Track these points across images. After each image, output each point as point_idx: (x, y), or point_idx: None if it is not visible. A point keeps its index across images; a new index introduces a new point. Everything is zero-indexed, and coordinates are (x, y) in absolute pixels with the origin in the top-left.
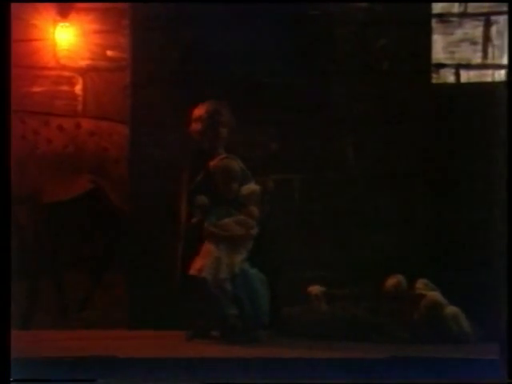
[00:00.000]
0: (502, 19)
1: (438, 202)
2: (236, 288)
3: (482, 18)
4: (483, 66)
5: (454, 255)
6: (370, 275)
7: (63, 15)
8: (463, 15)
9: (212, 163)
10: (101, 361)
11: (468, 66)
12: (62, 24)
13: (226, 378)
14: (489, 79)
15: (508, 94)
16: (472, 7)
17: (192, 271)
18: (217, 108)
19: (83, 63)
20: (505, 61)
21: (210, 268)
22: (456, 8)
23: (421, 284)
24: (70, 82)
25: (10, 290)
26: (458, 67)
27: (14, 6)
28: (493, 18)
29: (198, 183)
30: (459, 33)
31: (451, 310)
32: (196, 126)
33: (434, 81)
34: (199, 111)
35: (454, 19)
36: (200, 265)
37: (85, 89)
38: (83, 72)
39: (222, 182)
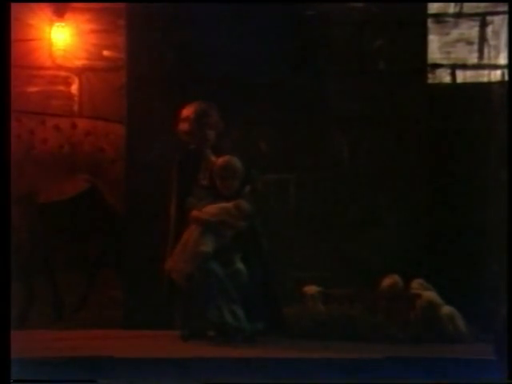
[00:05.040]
0: (498, 19)
1: (434, 202)
2: (232, 288)
3: (478, 18)
4: (479, 66)
5: (451, 255)
6: (366, 275)
7: (59, 15)
8: (459, 15)
9: (214, 161)
10: (97, 361)
11: (464, 66)
12: (57, 24)
13: (222, 378)
14: (485, 79)
15: (508, 93)
16: (468, 7)
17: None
18: (205, 109)
19: (79, 63)
20: (501, 61)
21: (176, 257)
22: (452, 8)
23: (417, 284)
24: (66, 81)
25: (9, 290)
26: (453, 67)
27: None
28: (488, 18)
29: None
30: (455, 33)
31: (447, 309)
32: (183, 127)
33: (430, 81)
34: (187, 111)
35: (450, 19)
36: (170, 257)
37: (81, 89)
38: (79, 72)
39: (220, 178)
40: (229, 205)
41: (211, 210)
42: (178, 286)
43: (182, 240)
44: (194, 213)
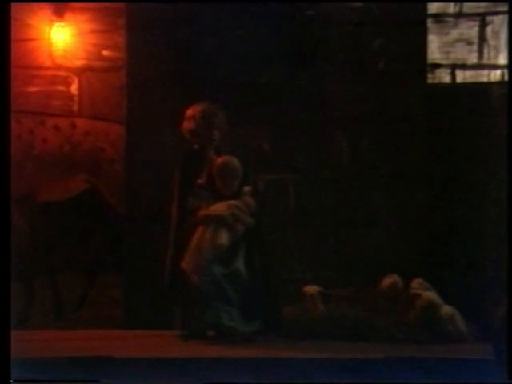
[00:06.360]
0: (498, 19)
1: (433, 201)
2: (230, 288)
3: (478, 18)
4: (479, 66)
5: (450, 255)
6: (366, 275)
7: (59, 15)
8: (459, 15)
9: (214, 161)
10: (97, 361)
11: (464, 66)
12: (57, 24)
13: (221, 378)
14: (484, 79)
15: (508, 93)
16: (467, 7)
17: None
18: (212, 109)
19: (79, 63)
20: (501, 61)
21: (192, 258)
22: (451, 8)
23: (416, 284)
24: (66, 81)
25: (9, 290)
26: (453, 67)
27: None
28: (488, 18)
29: (197, 183)
30: (455, 33)
31: (447, 309)
32: (189, 126)
33: (429, 81)
34: (193, 111)
35: (450, 19)
36: (186, 259)
37: (80, 89)
38: (79, 72)
39: (219, 178)
40: (236, 201)
41: (220, 207)
42: (179, 287)
43: (194, 241)
44: (203, 212)
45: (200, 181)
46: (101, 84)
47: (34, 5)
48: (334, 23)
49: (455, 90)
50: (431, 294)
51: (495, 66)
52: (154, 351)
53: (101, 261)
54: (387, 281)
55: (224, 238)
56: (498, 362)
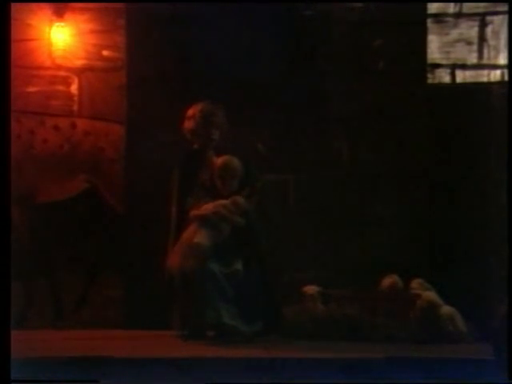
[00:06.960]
0: (498, 19)
1: (433, 201)
2: (230, 288)
3: (478, 18)
4: (479, 66)
5: (450, 255)
6: (366, 275)
7: (59, 15)
8: (459, 15)
9: (214, 161)
10: (97, 361)
11: (464, 66)
12: (57, 24)
13: (221, 378)
14: (484, 79)
15: (508, 93)
16: (467, 7)
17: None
18: (212, 109)
19: (79, 63)
20: (500, 61)
21: (173, 256)
22: (451, 8)
23: (416, 284)
24: (66, 81)
25: (9, 290)
26: (453, 67)
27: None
28: (488, 18)
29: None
30: (455, 33)
31: (447, 309)
32: (189, 125)
33: (429, 81)
34: (193, 110)
35: (450, 19)
36: (170, 257)
37: (80, 89)
38: (79, 72)
39: (220, 178)
40: (225, 201)
41: (208, 206)
42: (177, 286)
43: (181, 239)
44: (193, 211)
45: (201, 181)
46: (101, 84)
47: (34, 5)
48: (334, 23)
49: (455, 90)
50: (431, 294)
51: (495, 66)
52: (154, 351)
53: (101, 261)
54: (387, 281)
55: (201, 237)
56: (498, 362)
